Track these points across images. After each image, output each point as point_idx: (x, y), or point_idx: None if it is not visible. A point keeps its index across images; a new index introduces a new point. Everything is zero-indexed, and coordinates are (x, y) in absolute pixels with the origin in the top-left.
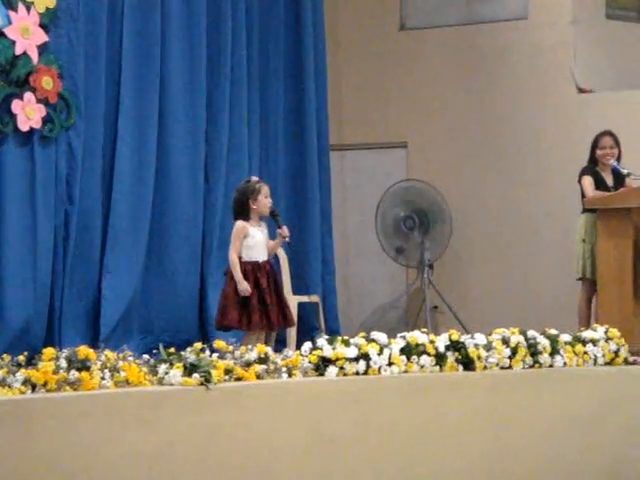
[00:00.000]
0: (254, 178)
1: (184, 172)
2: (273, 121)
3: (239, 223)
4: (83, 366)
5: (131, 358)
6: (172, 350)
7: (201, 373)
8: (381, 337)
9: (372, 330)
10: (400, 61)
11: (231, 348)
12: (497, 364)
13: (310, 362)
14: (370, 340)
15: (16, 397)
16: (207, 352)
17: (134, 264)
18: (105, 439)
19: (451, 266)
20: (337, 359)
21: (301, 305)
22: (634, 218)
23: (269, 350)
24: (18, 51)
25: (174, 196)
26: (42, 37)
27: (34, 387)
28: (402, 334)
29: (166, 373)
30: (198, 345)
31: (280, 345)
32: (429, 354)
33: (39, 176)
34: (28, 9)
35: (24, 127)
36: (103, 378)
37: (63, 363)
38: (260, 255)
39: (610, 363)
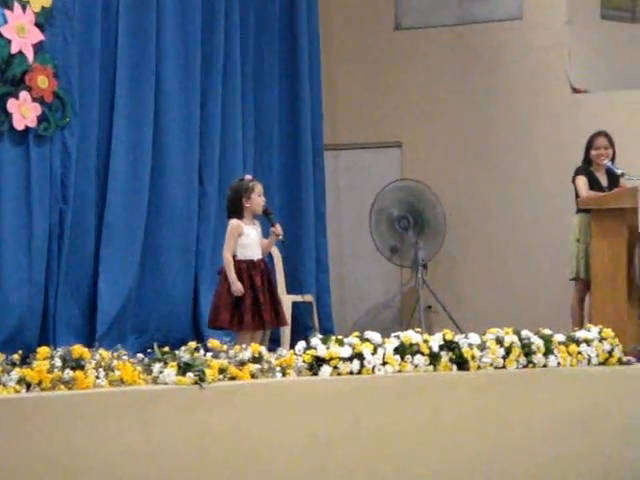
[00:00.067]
0: (247, 176)
1: (179, 171)
2: (267, 121)
3: (233, 222)
4: (77, 365)
5: (125, 357)
6: (166, 349)
7: (195, 372)
8: (375, 337)
9: (366, 330)
10: (394, 61)
11: (225, 347)
12: (491, 364)
13: (304, 361)
14: (364, 340)
15: (10, 396)
16: (201, 351)
17: (129, 263)
18: (99, 438)
19: (445, 266)
20: (331, 358)
21: (295, 304)
22: (628, 218)
23: (263, 349)
24: (14, 50)
25: (169, 195)
26: (38, 36)
27: (28, 386)
28: (396, 334)
29: (160, 372)
30: (192, 344)
31: (274, 344)
32: (423, 354)
33: (34, 175)
34: (24, 8)
35: (19, 126)
36: (98, 377)
37: (58, 362)
38: (254, 253)
39: (604, 363)
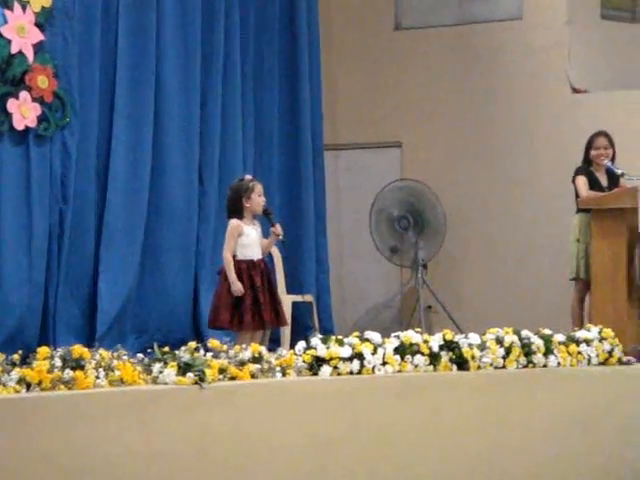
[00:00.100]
0: (247, 176)
1: (179, 171)
2: (267, 121)
3: (233, 222)
4: (77, 365)
5: (125, 357)
6: (166, 349)
7: (195, 372)
8: (375, 337)
9: (366, 330)
10: (394, 61)
11: (225, 347)
12: (491, 364)
13: (304, 361)
14: (364, 340)
15: (10, 396)
16: (201, 351)
17: (129, 263)
18: (99, 438)
19: (445, 266)
20: (331, 358)
21: (295, 304)
22: (628, 218)
23: (263, 349)
24: (14, 50)
25: (169, 195)
26: (38, 36)
27: (28, 386)
28: (396, 334)
29: (160, 372)
30: (192, 344)
31: (274, 344)
32: (423, 354)
33: (34, 175)
34: (24, 8)
35: (19, 126)
36: (97, 377)
37: (58, 362)
38: (255, 253)
39: (604, 363)
